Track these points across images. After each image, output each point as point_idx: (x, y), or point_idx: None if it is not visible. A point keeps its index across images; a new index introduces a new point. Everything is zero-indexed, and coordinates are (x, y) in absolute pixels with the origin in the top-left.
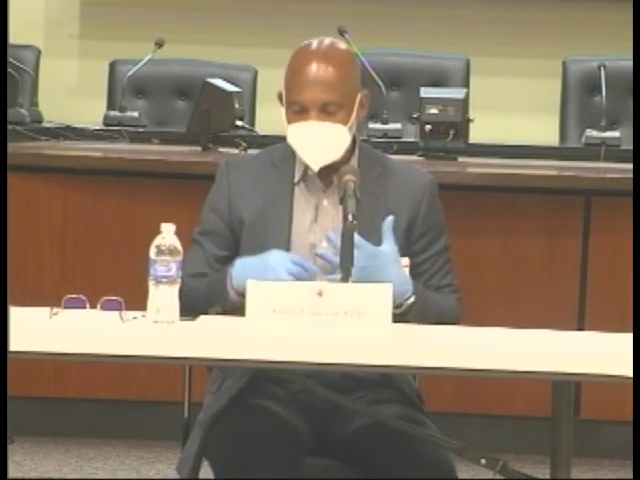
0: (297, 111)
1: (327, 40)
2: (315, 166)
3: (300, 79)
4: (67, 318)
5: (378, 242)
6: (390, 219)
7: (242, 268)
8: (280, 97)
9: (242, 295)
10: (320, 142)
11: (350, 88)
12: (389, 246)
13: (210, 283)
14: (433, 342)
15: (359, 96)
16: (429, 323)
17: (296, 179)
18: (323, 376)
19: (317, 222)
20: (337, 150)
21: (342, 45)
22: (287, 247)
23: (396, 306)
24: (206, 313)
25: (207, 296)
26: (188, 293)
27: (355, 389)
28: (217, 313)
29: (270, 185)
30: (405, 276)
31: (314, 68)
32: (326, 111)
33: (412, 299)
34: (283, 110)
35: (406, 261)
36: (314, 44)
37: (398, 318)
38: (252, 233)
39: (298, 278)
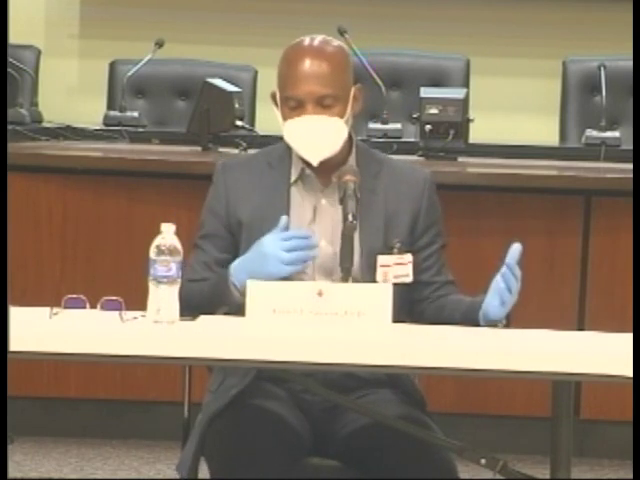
0: (293, 107)
1: (319, 36)
2: (314, 161)
3: (295, 74)
4: (67, 318)
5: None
6: (518, 247)
7: (241, 267)
8: (274, 97)
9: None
10: (318, 136)
11: (345, 81)
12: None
13: (213, 286)
14: (433, 342)
15: (353, 90)
16: None
17: (293, 178)
18: (324, 376)
19: (316, 222)
20: (335, 143)
21: (334, 40)
22: None
23: (491, 324)
24: (208, 313)
25: (210, 300)
26: (187, 297)
27: (356, 388)
28: (225, 313)
29: (266, 185)
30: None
31: (308, 63)
32: (322, 104)
33: (504, 322)
34: (277, 110)
35: (409, 258)
36: (306, 41)
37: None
38: (250, 234)
39: (297, 249)
